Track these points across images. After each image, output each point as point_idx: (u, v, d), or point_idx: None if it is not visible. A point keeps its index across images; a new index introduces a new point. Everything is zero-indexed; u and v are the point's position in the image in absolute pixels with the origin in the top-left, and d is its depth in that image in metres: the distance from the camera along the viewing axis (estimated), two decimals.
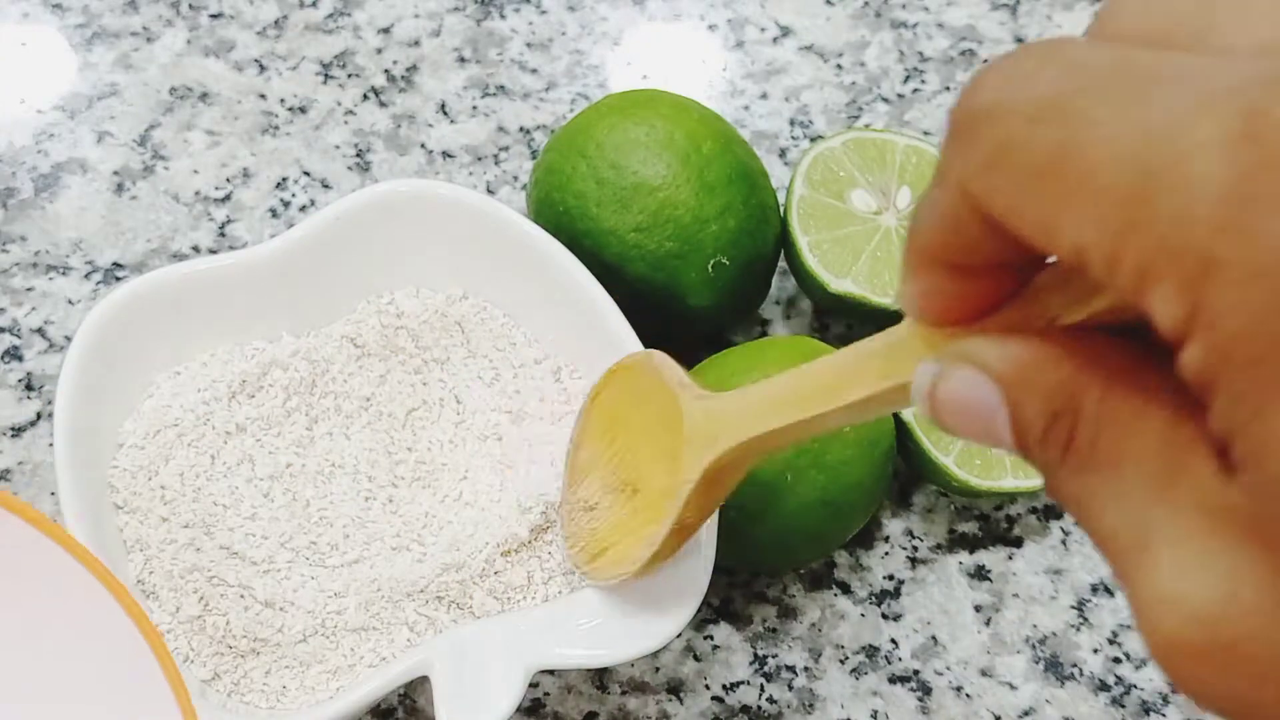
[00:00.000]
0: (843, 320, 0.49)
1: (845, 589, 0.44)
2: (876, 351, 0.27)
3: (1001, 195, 0.20)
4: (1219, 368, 0.17)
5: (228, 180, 0.51)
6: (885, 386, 0.27)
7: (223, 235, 0.50)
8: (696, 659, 0.42)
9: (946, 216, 0.22)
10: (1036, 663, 0.43)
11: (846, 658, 0.42)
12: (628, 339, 0.39)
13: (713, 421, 0.33)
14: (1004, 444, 0.22)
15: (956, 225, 0.22)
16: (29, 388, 0.47)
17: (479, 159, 0.52)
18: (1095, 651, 0.43)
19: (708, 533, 0.36)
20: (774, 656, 0.42)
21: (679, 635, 0.42)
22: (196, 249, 0.50)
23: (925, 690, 0.42)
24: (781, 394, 0.31)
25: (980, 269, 0.23)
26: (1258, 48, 0.19)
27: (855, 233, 0.45)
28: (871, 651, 0.43)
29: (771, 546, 0.40)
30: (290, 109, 0.53)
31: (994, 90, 0.20)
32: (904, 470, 0.46)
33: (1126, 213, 0.17)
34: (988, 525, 0.45)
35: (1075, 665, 0.43)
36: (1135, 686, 0.42)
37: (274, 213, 0.51)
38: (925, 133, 0.53)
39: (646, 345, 0.40)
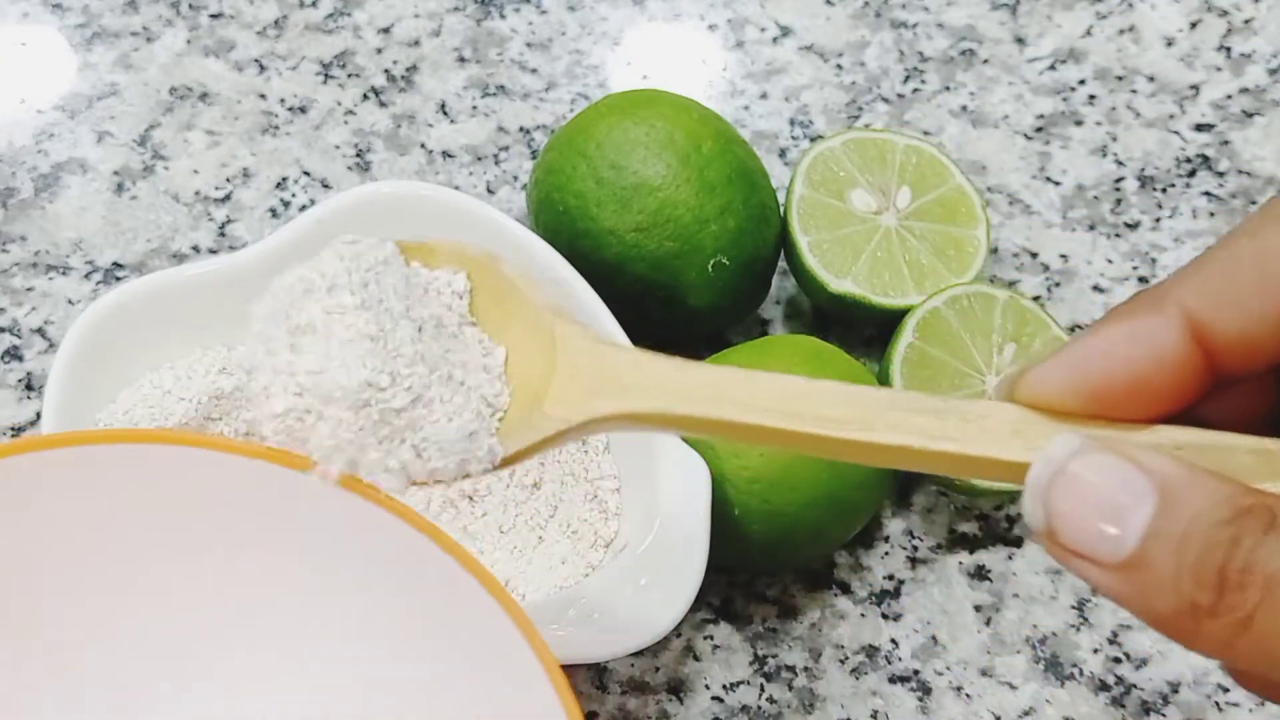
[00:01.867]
0: (843, 320, 0.49)
1: (845, 589, 0.44)
2: (929, 409, 0.25)
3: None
4: None
5: (228, 180, 0.51)
6: (950, 450, 0.25)
7: (223, 235, 0.50)
8: (696, 659, 0.42)
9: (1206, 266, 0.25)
10: (1036, 663, 0.43)
11: (846, 658, 0.42)
12: (600, 312, 0.40)
13: (615, 370, 0.28)
14: (1109, 545, 0.22)
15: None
16: (29, 388, 0.47)
17: (479, 159, 0.52)
18: (1095, 651, 0.43)
19: (701, 525, 0.36)
20: (774, 656, 0.42)
21: (679, 635, 0.42)
22: (196, 249, 0.50)
23: (925, 690, 0.42)
24: (766, 394, 0.27)
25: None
26: None
27: (855, 233, 0.45)
28: (871, 651, 0.43)
29: (772, 545, 0.40)
30: (290, 109, 0.53)
31: None
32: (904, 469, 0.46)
33: None
34: (988, 525, 0.45)
35: (1075, 665, 0.43)
36: (1135, 686, 0.42)
37: (274, 213, 0.51)
38: (925, 133, 0.53)
39: (647, 345, 0.40)
